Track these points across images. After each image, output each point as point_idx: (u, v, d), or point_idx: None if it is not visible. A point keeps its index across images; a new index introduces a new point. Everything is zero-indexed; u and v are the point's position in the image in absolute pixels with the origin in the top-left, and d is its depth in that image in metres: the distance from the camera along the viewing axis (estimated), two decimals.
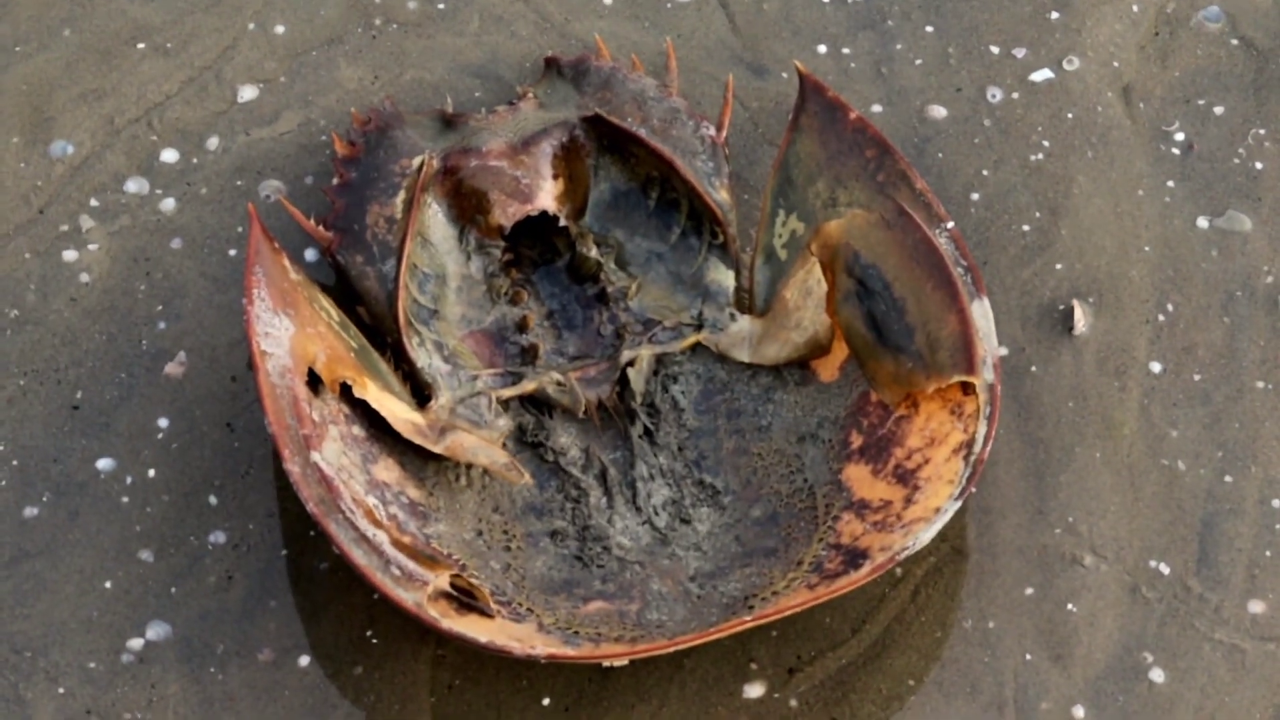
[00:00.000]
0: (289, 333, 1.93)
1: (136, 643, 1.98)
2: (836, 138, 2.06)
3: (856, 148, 2.05)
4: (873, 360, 1.99)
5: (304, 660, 1.97)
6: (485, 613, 1.88)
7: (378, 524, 1.88)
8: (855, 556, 1.90)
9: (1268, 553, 2.00)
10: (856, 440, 2.00)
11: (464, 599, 1.88)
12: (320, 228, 2.09)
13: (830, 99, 2.07)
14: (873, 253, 1.99)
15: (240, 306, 2.10)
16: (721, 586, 1.94)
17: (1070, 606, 1.98)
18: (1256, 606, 1.99)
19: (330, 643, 1.97)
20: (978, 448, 1.91)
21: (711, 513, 1.99)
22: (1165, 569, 2.00)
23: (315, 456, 1.88)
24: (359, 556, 1.85)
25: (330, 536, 1.85)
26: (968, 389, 1.94)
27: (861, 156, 2.04)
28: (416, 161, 2.10)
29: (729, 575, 1.95)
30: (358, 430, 1.96)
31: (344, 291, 2.10)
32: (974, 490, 1.98)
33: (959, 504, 1.89)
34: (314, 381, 1.94)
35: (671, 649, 1.84)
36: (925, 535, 1.87)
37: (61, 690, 1.96)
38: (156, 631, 1.98)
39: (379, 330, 2.06)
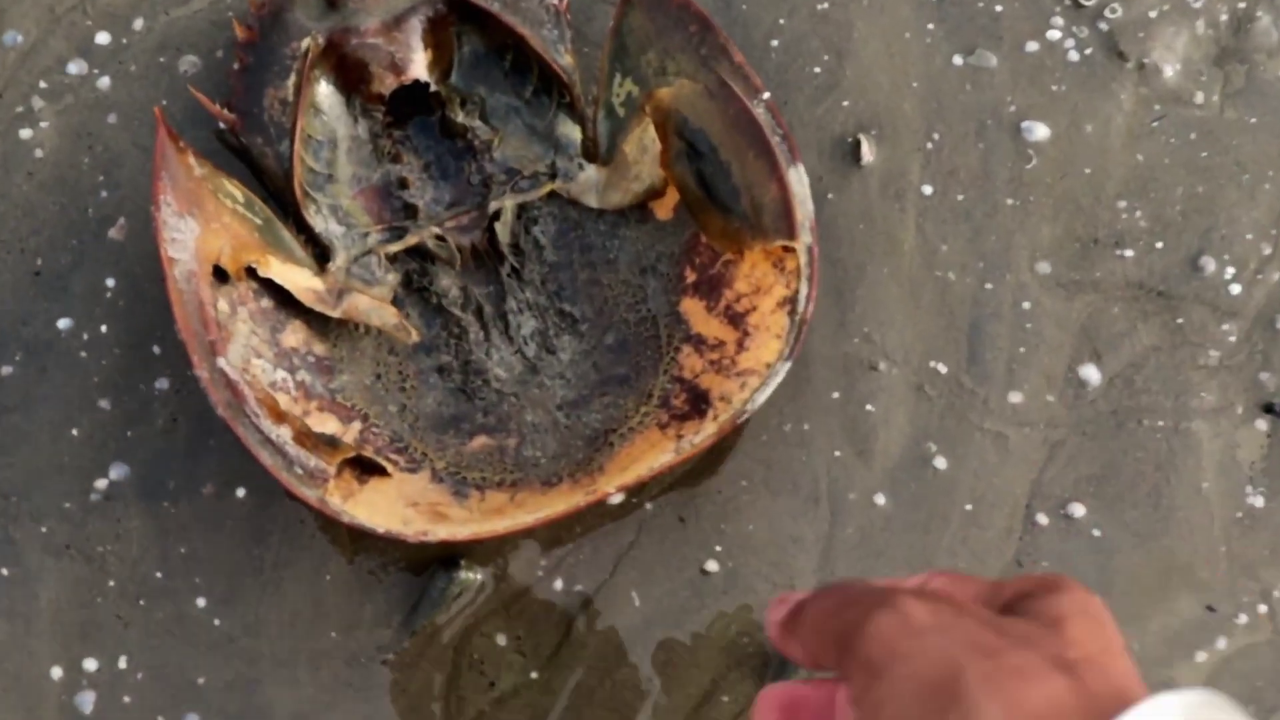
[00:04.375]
0: (194, 234, 1.30)
1: (102, 483, 1.39)
2: (663, 14, 1.41)
3: (681, 23, 1.40)
4: (704, 213, 1.39)
5: (241, 492, 1.39)
6: (383, 471, 1.23)
7: (280, 419, 1.24)
8: (698, 398, 1.29)
9: (1021, 349, 1.43)
10: (690, 276, 1.38)
11: (365, 464, 1.25)
12: (225, 111, 1.36)
13: None
14: (699, 119, 1.36)
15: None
16: (584, 417, 1.36)
17: (869, 407, 1.40)
18: (1015, 397, 1.41)
19: (261, 475, 1.38)
20: (801, 306, 1.26)
21: (572, 340, 1.39)
22: (943, 368, 1.41)
23: (221, 362, 1.25)
24: (265, 458, 1.25)
25: (239, 438, 1.20)
26: (789, 248, 1.27)
27: (686, 31, 1.40)
28: (304, 44, 1.41)
29: (590, 404, 1.37)
30: (266, 303, 1.34)
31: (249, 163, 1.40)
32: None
33: (789, 364, 1.25)
34: (221, 274, 1.25)
35: (543, 524, 1.24)
36: (760, 397, 1.27)
37: (44, 529, 1.39)
38: (118, 472, 1.39)
39: (281, 201, 1.35)
